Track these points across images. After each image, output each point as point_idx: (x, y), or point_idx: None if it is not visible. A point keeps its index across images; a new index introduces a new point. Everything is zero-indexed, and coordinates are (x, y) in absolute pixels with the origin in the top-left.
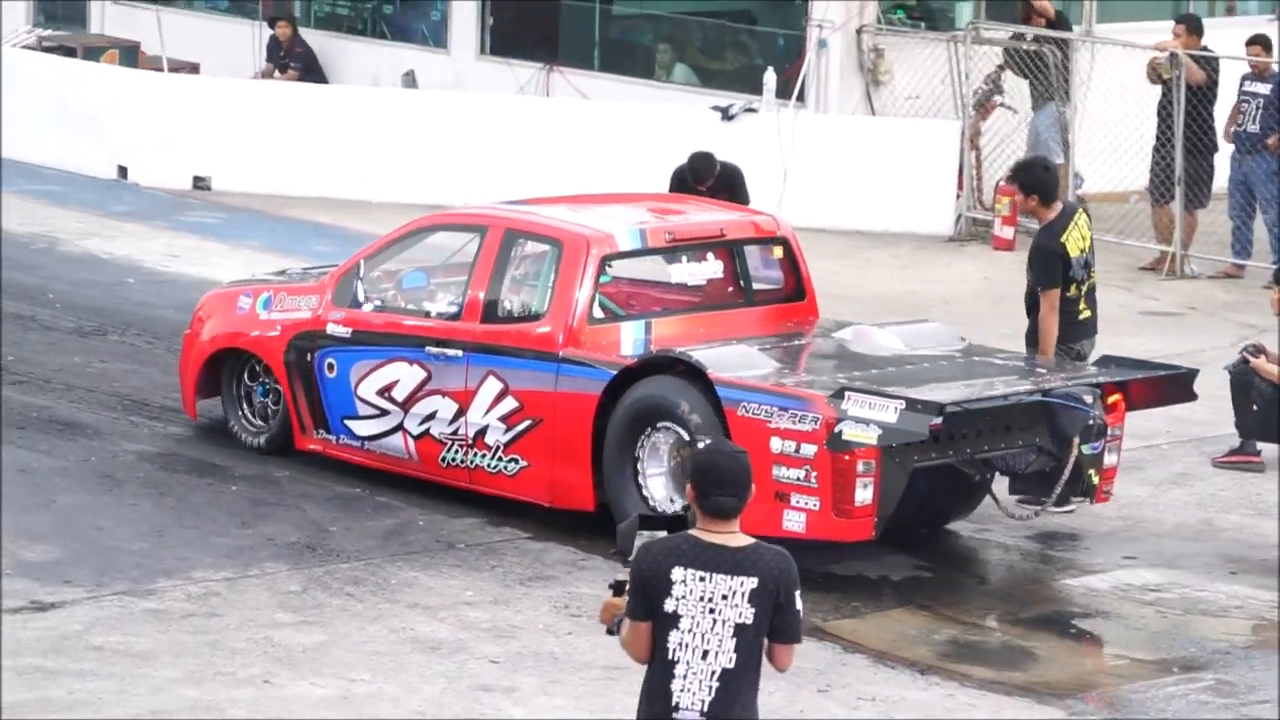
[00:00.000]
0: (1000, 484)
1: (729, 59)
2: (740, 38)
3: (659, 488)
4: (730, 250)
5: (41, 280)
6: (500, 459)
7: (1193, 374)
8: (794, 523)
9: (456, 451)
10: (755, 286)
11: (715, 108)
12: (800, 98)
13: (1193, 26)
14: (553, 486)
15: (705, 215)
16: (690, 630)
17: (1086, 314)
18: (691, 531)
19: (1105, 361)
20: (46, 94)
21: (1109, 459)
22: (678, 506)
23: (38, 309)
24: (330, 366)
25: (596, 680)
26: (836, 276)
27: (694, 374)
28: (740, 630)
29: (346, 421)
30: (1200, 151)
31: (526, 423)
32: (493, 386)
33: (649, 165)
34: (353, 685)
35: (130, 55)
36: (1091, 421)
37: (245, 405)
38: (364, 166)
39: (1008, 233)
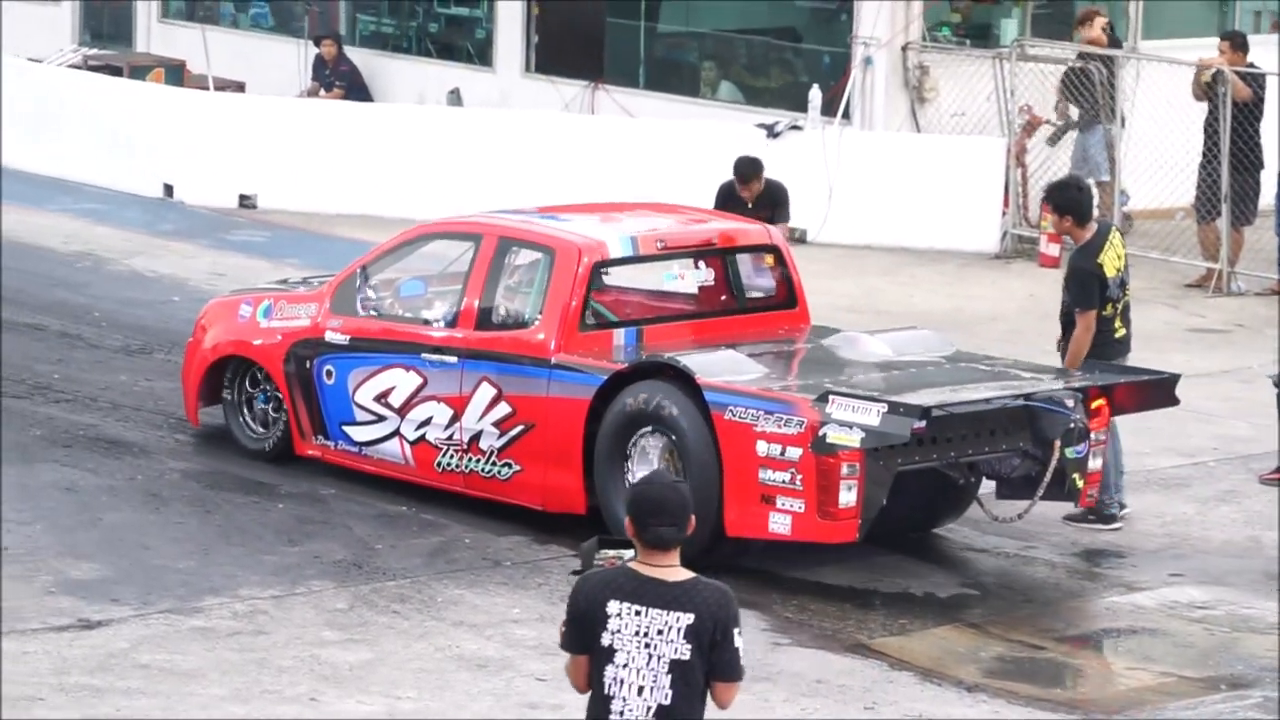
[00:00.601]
0: (987, 488)
1: (774, 76)
2: (785, 55)
3: None
4: (722, 258)
5: (88, 299)
6: (494, 463)
7: (1175, 379)
8: (780, 525)
9: (452, 456)
10: (748, 294)
11: (760, 125)
12: (845, 115)
13: (1238, 43)
14: (545, 490)
15: (697, 224)
16: (626, 665)
17: (1122, 332)
18: (630, 564)
19: (1090, 367)
20: (92, 113)
21: (1093, 463)
22: None
23: (84, 327)
24: (329, 373)
25: None
26: (882, 294)
27: (683, 379)
28: (676, 666)
29: (344, 427)
30: (1246, 168)
31: (519, 428)
32: (486, 392)
33: (694, 182)
34: (399, 703)
35: (176, 74)
36: (1073, 425)
37: (246, 412)
38: (409, 184)
39: (1053, 250)
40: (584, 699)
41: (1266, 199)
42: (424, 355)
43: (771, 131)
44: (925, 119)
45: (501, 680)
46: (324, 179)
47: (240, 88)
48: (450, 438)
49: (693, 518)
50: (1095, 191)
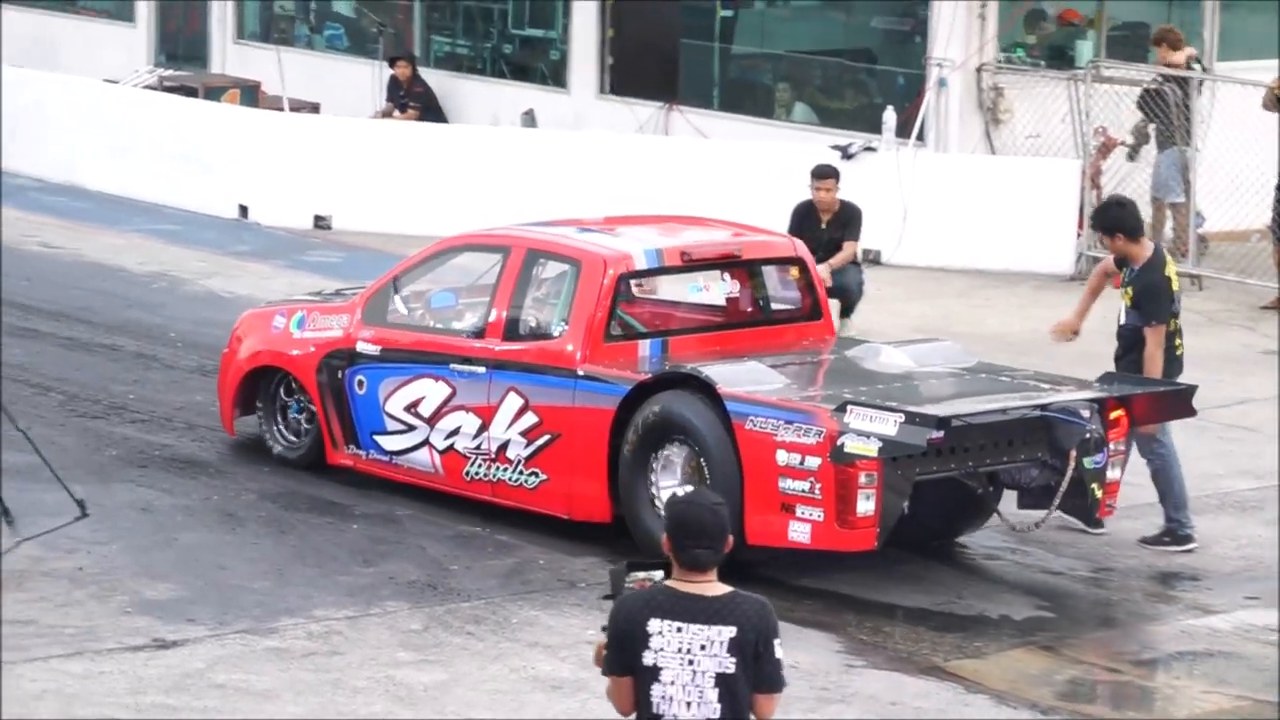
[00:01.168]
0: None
1: (848, 98)
2: (860, 76)
3: None
4: (747, 270)
5: (163, 319)
6: (521, 472)
7: (1192, 390)
8: (799, 534)
9: (480, 465)
10: (773, 306)
11: (835, 146)
12: (920, 136)
13: None
14: (571, 499)
15: (722, 236)
16: (672, 682)
17: (1181, 349)
18: (668, 582)
19: (1108, 378)
20: (168, 134)
21: (1112, 473)
22: None
23: (159, 348)
24: (360, 383)
25: None
26: (957, 316)
27: (705, 389)
28: (722, 680)
29: (375, 437)
30: None
31: (546, 437)
32: (514, 402)
33: (768, 203)
34: None
35: (251, 95)
36: (1089, 435)
37: (280, 421)
38: (483, 205)
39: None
40: None
41: None
42: (453, 366)
43: (846, 153)
44: (1000, 141)
45: (576, 701)
46: (398, 200)
47: (315, 109)
48: (478, 447)
49: (730, 538)
50: (1168, 213)
